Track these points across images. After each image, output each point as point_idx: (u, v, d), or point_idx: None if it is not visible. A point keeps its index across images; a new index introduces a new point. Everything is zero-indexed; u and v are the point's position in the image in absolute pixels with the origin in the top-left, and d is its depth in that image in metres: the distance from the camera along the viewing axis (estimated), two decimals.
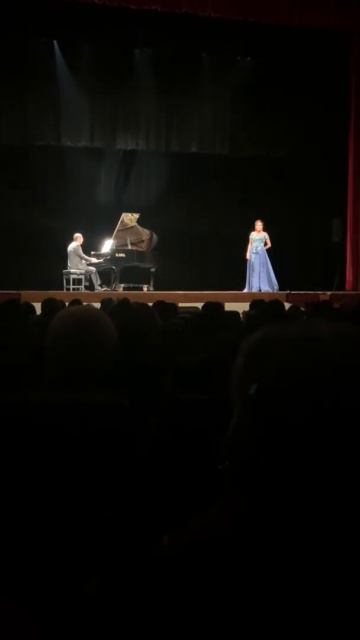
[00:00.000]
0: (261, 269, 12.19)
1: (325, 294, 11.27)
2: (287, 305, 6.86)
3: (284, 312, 5.81)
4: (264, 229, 12.28)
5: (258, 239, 12.26)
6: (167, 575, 0.74)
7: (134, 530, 1.43)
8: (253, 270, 12.24)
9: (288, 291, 11.52)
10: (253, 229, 12.35)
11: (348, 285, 13.07)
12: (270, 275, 12.26)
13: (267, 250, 12.25)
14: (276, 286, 12.19)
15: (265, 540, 0.73)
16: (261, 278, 12.19)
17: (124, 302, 4.57)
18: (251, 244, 12.28)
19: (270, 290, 11.89)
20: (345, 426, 0.73)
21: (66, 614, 0.79)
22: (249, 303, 6.84)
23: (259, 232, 12.28)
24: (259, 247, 12.22)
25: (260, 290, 11.94)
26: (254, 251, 12.24)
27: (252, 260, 12.25)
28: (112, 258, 12.05)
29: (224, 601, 0.71)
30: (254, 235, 12.29)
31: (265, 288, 12.10)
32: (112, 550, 1.37)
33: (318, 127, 13.03)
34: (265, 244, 12.25)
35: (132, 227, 12.37)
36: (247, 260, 12.31)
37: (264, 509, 0.74)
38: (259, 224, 12.29)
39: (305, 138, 13.16)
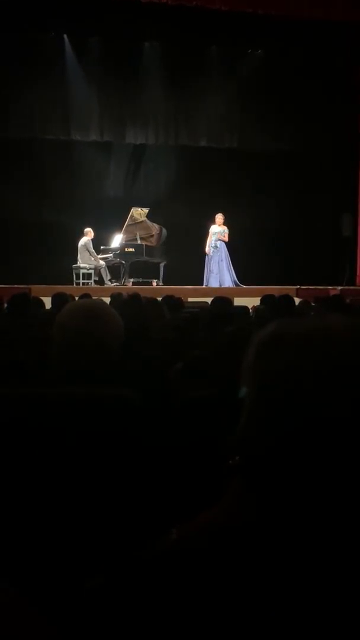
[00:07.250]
0: (220, 264, 11.95)
1: (336, 289, 11.23)
2: (297, 300, 6.84)
3: (294, 307, 5.80)
4: (224, 223, 11.98)
5: (215, 232, 11.97)
6: (174, 572, 0.73)
7: (141, 526, 1.42)
8: (210, 265, 12.01)
9: (298, 286, 11.48)
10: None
11: (358, 281, 13.04)
12: (229, 272, 11.98)
13: (226, 244, 11.95)
14: (235, 281, 11.97)
15: (273, 538, 0.73)
16: (221, 274, 11.91)
17: (135, 297, 4.57)
18: (210, 238, 12.02)
19: (231, 286, 11.70)
20: (357, 421, 0.72)
21: (71, 609, 0.78)
22: (258, 298, 6.83)
23: (219, 225, 12.01)
24: (218, 242, 11.96)
25: (219, 285, 11.69)
26: (213, 245, 12.00)
27: (211, 255, 12.03)
28: (121, 253, 12.05)
29: (229, 599, 0.71)
30: (213, 229, 12.02)
31: (228, 283, 11.90)
32: (118, 546, 1.37)
33: (328, 120, 12.98)
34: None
35: (142, 221, 12.35)
36: (205, 254, 12.06)
37: (273, 506, 0.74)
38: (219, 217, 12.01)
39: (315, 132, 13.10)
